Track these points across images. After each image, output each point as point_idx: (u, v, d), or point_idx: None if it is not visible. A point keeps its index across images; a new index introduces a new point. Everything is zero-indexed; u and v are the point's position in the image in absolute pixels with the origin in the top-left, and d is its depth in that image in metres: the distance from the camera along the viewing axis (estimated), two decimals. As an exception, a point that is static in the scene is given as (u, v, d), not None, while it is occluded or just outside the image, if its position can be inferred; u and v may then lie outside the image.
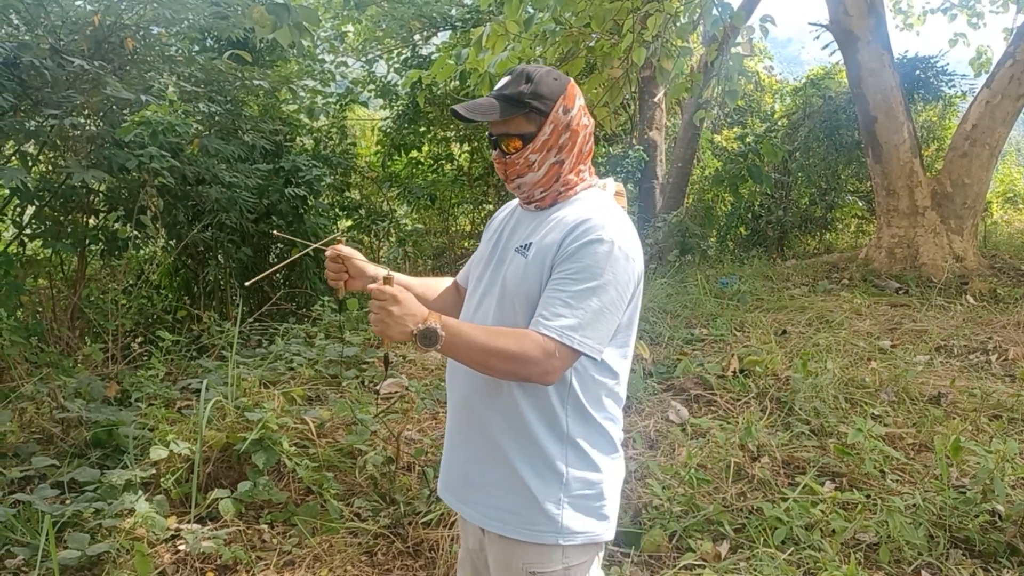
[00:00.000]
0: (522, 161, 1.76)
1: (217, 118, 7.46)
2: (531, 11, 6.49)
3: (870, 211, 11.82)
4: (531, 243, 1.75)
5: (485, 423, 1.76)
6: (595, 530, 1.75)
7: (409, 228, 12.80)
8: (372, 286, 1.59)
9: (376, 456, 3.66)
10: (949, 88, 11.58)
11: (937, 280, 8.14)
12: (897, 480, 3.70)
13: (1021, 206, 14.76)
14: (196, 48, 8.59)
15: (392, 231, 11.98)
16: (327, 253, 1.95)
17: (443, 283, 2.15)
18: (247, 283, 1.84)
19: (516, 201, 1.97)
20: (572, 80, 1.80)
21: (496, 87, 1.78)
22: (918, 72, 11.16)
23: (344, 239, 1.99)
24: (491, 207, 12.26)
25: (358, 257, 1.97)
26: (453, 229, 13.16)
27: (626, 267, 1.68)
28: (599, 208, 1.74)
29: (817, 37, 9.92)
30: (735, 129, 13.91)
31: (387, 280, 1.59)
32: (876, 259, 8.99)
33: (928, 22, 13.93)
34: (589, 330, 1.62)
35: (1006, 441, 3.57)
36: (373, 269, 1.97)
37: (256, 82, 6.97)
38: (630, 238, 1.72)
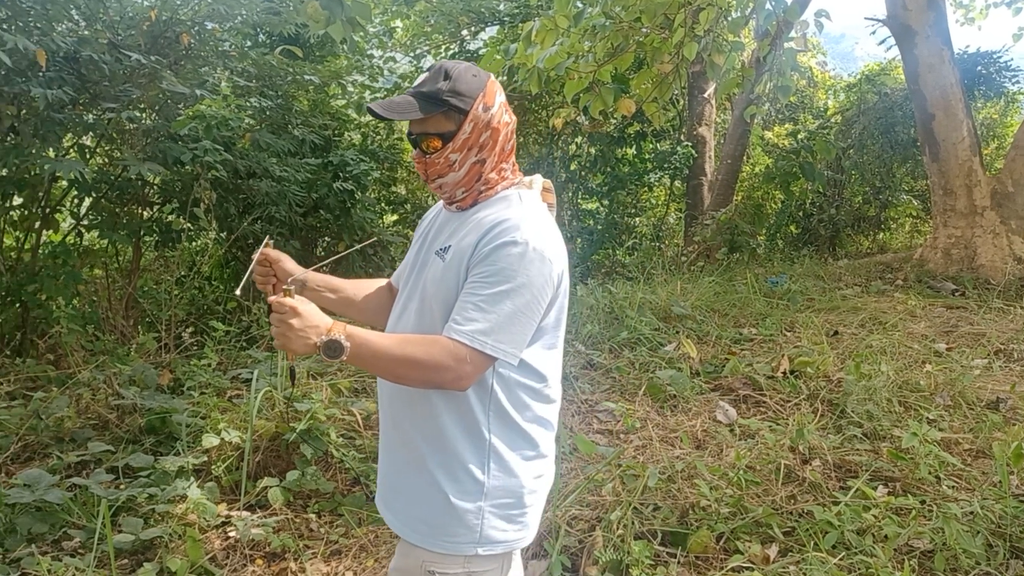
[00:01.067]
0: (442, 161, 1.71)
1: (268, 113, 7.57)
2: (581, 5, 6.45)
3: (925, 211, 11.53)
4: (450, 246, 1.71)
5: (406, 431, 1.73)
6: (514, 538, 1.72)
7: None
8: (272, 298, 1.56)
9: (422, 449, 3.67)
10: (1012, 84, 11.22)
11: (996, 282, 7.90)
12: (953, 486, 3.60)
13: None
14: (249, 44, 8.73)
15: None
16: (255, 256, 1.92)
17: (377, 284, 2.09)
18: (236, 291, 1.83)
19: (437, 206, 1.94)
20: (492, 76, 1.76)
21: (414, 84, 1.73)
22: (979, 68, 10.85)
23: (271, 243, 1.96)
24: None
25: (286, 260, 1.93)
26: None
27: (541, 268, 1.62)
28: (517, 208, 1.70)
29: (873, 32, 9.71)
30: (787, 126, 13.67)
31: (287, 292, 1.54)
32: (932, 260, 8.76)
33: (991, 16, 13.50)
34: (502, 334, 1.57)
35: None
36: (302, 272, 1.94)
37: (307, 77, 7.06)
38: (547, 238, 1.66)
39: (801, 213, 11.74)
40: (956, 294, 7.85)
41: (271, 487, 3.36)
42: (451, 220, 1.81)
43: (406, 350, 1.55)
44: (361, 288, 2.04)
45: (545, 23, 5.94)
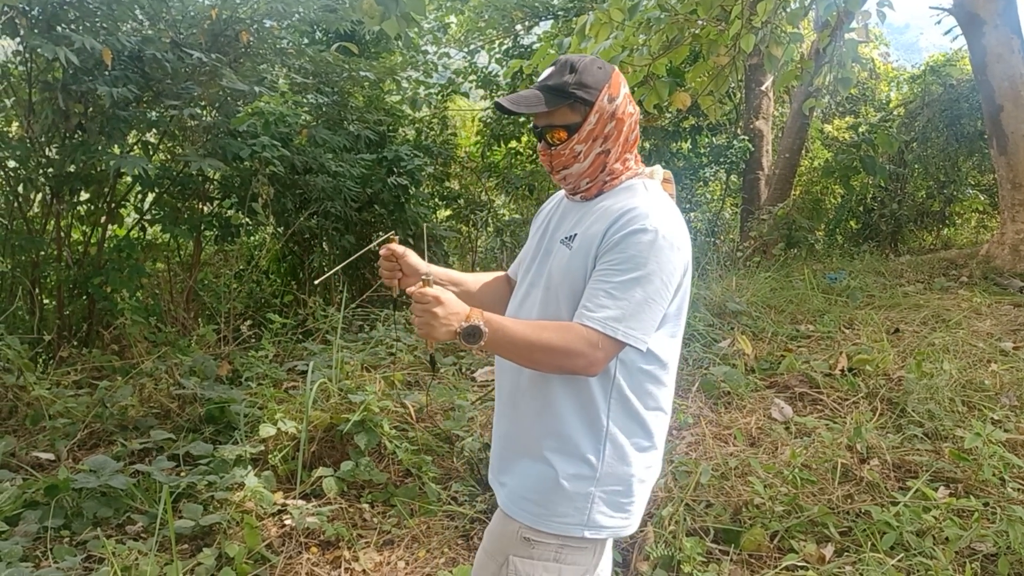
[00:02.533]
0: (568, 152, 1.74)
1: (324, 109, 7.68)
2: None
3: (992, 206, 11.17)
4: (576, 234, 1.74)
5: (524, 413, 1.77)
6: (619, 526, 1.74)
7: (507, 218, 12.87)
8: (411, 289, 1.59)
9: (473, 442, 3.70)
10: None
11: (1067, 279, 7.61)
12: (1018, 489, 3.48)
13: None
14: (306, 41, 8.87)
15: (490, 221, 12.06)
16: (381, 251, 1.95)
17: (495, 276, 2.14)
18: (316, 281, 1.92)
19: (562, 192, 1.95)
20: (616, 68, 1.78)
21: (540, 78, 1.76)
22: (1051, 57, 10.43)
23: (396, 238, 1.99)
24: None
25: (411, 255, 1.96)
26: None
27: (670, 256, 1.65)
28: (644, 197, 1.72)
29: (939, 22, 9.41)
30: (847, 119, 13.35)
31: (425, 282, 1.59)
32: (999, 256, 8.47)
33: (1063, 3, 13.02)
34: (633, 321, 1.60)
35: None
36: (427, 267, 1.97)
37: (362, 73, 7.14)
38: (675, 226, 1.68)
39: (861, 208, 11.47)
40: (1023, 291, 7.59)
41: (325, 477, 3.42)
42: (574, 209, 1.84)
43: (541, 336, 1.59)
44: (479, 280, 2.09)
45: (599, 16, 5.90)
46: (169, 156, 6.83)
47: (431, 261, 6.89)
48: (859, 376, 4.80)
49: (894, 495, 3.40)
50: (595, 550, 1.76)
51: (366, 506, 3.41)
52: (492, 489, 3.40)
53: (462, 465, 3.72)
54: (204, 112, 6.37)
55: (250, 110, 6.14)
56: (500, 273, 2.15)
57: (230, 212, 6.99)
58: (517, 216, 12.98)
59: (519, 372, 1.77)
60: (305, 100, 7.29)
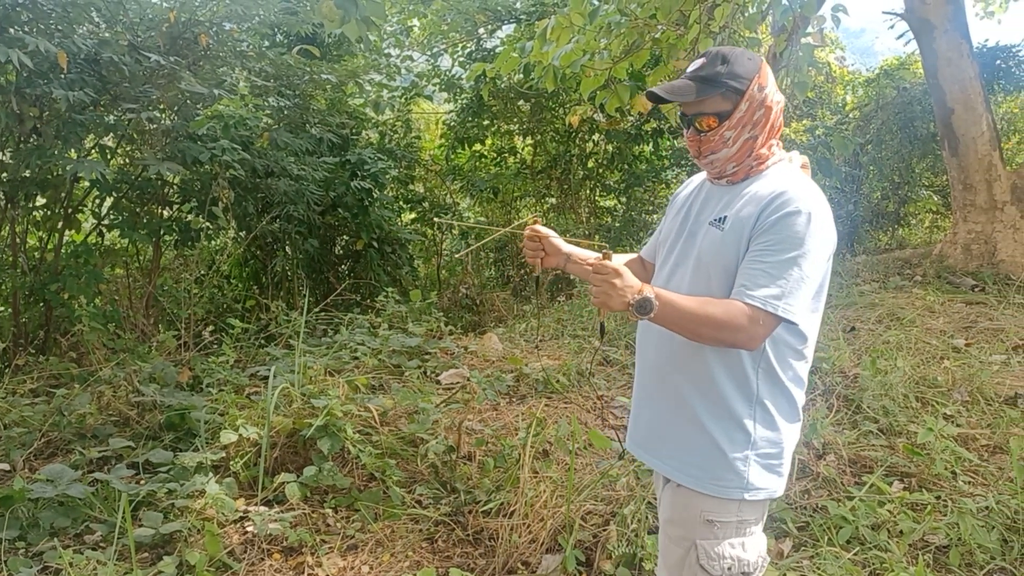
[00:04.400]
0: (717, 138, 1.84)
1: (286, 112, 7.63)
2: (596, 3, 6.45)
3: (945, 206, 11.41)
4: (726, 216, 1.84)
5: (677, 386, 1.89)
6: (773, 486, 1.87)
7: (472, 221, 12.88)
8: (593, 261, 1.72)
9: (438, 445, 3.71)
10: (1032, 78, 11.08)
11: (1016, 278, 7.80)
12: (969, 482, 3.58)
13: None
14: (266, 43, 8.79)
15: (456, 222, 12.07)
16: (526, 232, 2.14)
17: (629, 258, 2.30)
18: (458, 254, 2.08)
19: (700, 177, 2.08)
20: (764, 59, 1.87)
21: (690, 69, 1.86)
22: (998, 62, 10.70)
23: (539, 219, 2.16)
24: (553, 200, 12.24)
25: (554, 236, 2.14)
26: (516, 222, 13.18)
27: (822, 236, 1.76)
28: (792, 181, 1.81)
29: (892, 26, 9.61)
30: (804, 121, 13.55)
31: (606, 255, 1.71)
32: (951, 255, 8.67)
33: (1011, 10, 13.35)
34: (791, 298, 1.70)
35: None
36: (567, 247, 2.16)
37: (324, 76, 7.10)
38: (824, 208, 1.79)
39: (819, 209, 11.63)
40: (975, 290, 7.77)
41: (288, 482, 3.40)
42: (719, 193, 1.94)
43: (707, 310, 1.69)
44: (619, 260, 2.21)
45: (560, 21, 5.94)
46: (127, 160, 6.73)
47: (395, 264, 6.86)
48: (816, 374, 4.89)
49: (850, 490, 3.48)
50: (762, 512, 1.91)
51: (329, 511, 3.41)
52: (458, 492, 3.42)
53: (426, 468, 3.73)
54: (163, 115, 6.29)
55: (209, 113, 6.07)
56: (634, 255, 2.31)
57: (190, 216, 6.91)
58: (483, 219, 13.00)
59: (670, 346, 1.89)
60: (266, 103, 7.24)
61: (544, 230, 2.15)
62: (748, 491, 1.83)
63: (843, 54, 15.83)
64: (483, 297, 9.10)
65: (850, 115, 12.63)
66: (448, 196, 12.30)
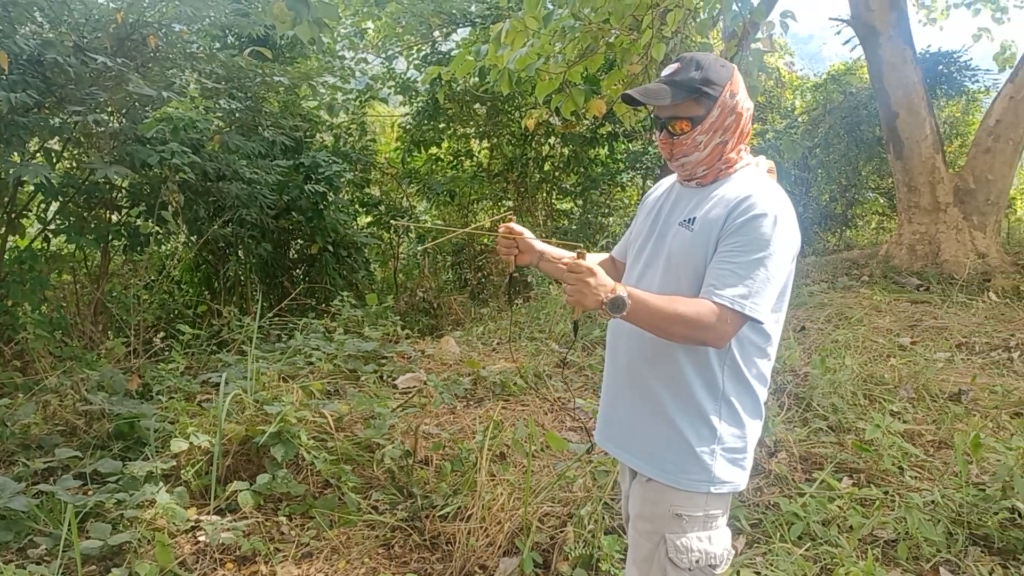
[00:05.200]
0: (689, 142, 1.90)
1: (238, 115, 7.52)
2: (550, 7, 6.48)
3: (891, 208, 11.69)
4: (695, 218, 1.90)
5: (648, 383, 1.95)
6: (737, 480, 1.93)
7: (429, 224, 12.84)
8: (568, 260, 1.76)
9: (394, 450, 3.69)
10: (972, 83, 11.42)
11: (959, 277, 8.03)
12: (916, 477, 3.68)
13: (1046, 203, 14.55)
14: (217, 45, 8.66)
15: (417, 225, 12.01)
16: (500, 228, 2.17)
17: (600, 257, 2.36)
18: (421, 247, 2.09)
19: (670, 180, 2.14)
20: (736, 67, 1.94)
21: (665, 73, 1.91)
22: (941, 67, 11.02)
23: (514, 217, 2.20)
24: (510, 203, 12.26)
25: (528, 234, 2.18)
26: (473, 225, 13.16)
27: (787, 238, 1.83)
28: (759, 184, 1.88)
29: (838, 32, 9.86)
30: (755, 126, 13.79)
31: (580, 254, 1.76)
32: (897, 256, 8.89)
33: (952, 17, 13.76)
34: (758, 297, 1.76)
35: (1008, 441, 3.53)
36: (541, 245, 2.22)
37: (276, 78, 7.02)
38: (789, 211, 1.86)
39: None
40: (920, 289, 7.98)
41: (241, 491, 3.35)
42: (688, 195, 2.00)
43: (678, 308, 1.75)
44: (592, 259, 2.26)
45: (515, 25, 5.96)
46: (74, 164, 6.58)
47: (351, 268, 6.82)
48: (769, 373, 4.97)
49: (801, 487, 3.54)
50: (726, 505, 1.97)
51: (283, 519, 3.36)
52: (414, 497, 3.41)
53: (383, 473, 3.70)
54: (110, 118, 6.16)
55: (158, 116, 5.96)
56: (606, 255, 2.37)
57: (139, 221, 6.78)
58: (439, 222, 12.97)
59: (640, 344, 1.94)
60: (217, 105, 7.13)
61: (519, 228, 2.19)
62: (714, 484, 1.89)
63: (792, 59, 16.14)
64: (440, 300, 9.07)
65: (799, 119, 12.88)
66: (404, 199, 12.24)
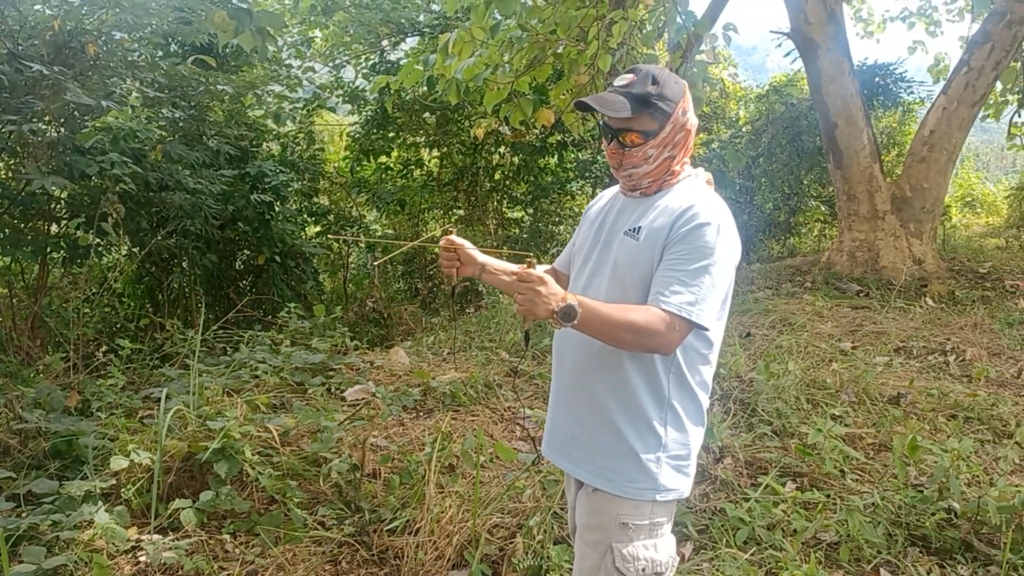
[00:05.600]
0: (640, 155, 1.93)
1: (181, 124, 7.39)
2: (498, 17, 6.51)
3: (833, 216, 11.99)
4: (640, 227, 1.93)
5: (594, 392, 1.95)
6: (682, 487, 1.96)
7: (380, 233, 12.76)
8: (518, 270, 1.77)
9: (341, 463, 3.64)
10: (907, 95, 11.79)
11: (897, 283, 8.28)
12: (857, 480, 3.77)
13: (979, 210, 15.08)
14: (160, 53, 8.49)
15: (361, 236, 11.92)
16: (441, 243, 2.18)
17: (543, 269, 2.30)
18: (376, 261, 2.08)
19: (612, 191, 2.18)
20: (685, 83, 1.97)
21: (619, 83, 1.92)
22: (877, 79, 11.36)
23: (453, 230, 2.19)
24: (461, 212, 12.25)
25: (469, 246, 2.20)
26: (424, 234, 13.11)
27: (730, 247, 1.88)
28: (701, 195, 1.93)
29: (779, 44, 10.07)
30: (701, 135, 14.03)
31: (530, 264, 1.76)
32: (838, 262, 9.12)
33: (888, 30, 14.20)
34: (704, 304, 1.80)
35: (961, 440, 3.64)
36: (483, 258, 2.22)
37: (220, 87, 6.91)
38: (730, 220, 1.91)
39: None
40: (860, 295, 8.20)
41: (183, 509, 3.27)
42: (633, 205, 2.02)
43: (627, 316, 1.76)
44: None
45: (462, 35, 5.97)
46: (9, 174, 6.38)
47: (299, 279, 6.72)
48: (714, 379, 5.03)
49: (747, 491, 3.59)
50: (671, 513, 1.99)
51: (228, 537, 3.29)
52: (362, 511, 3.37)
53: (330, 488, 3.66)
54: (47, 127, 5.99)
55: (98, 125, 5.82)
56: (548, 266, 2.34)
57: (79, 233, 6.59)
58: (390, 231, 12.89)
59: (587, 353, 1.95)
60: (159, 115, 6.99)
61: (460, 240, 2.20)
62: (660, 492, 1.91)
63: (736, 71, 16.48)
64: (391, 311, 9.01)
65: (743, 129, 13.15)
66: (354, 209, 12.15)
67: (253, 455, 3.55)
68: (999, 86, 9.98)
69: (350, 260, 12.03)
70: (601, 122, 1.99)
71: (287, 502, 3.44)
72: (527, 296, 1.72)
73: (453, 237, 2.18)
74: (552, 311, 1.70)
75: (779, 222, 12.37)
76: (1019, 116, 12.06)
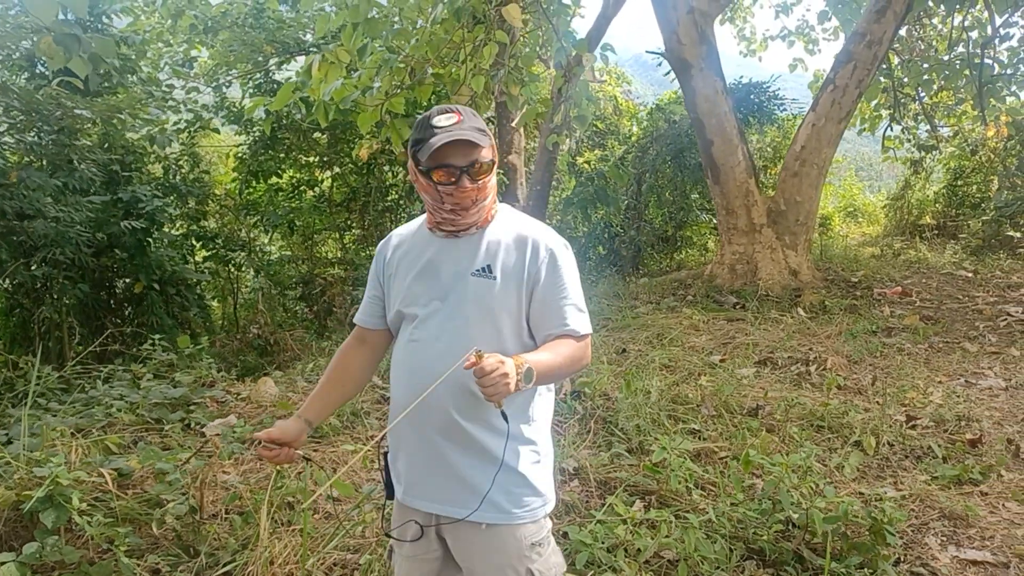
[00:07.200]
0: (489, 186, 1.95)
1: (42, 149, 7.08)
2: (367, 40, 6.46)
3: (716, 230, 12.37)
4: (489, 266, 1.94)
5: (471, 434, 1.92)
6: (553, 496, 2.05)
7: (275, 256, 12.49)
8: (476, 360, 1.66)
9: (179, 506, 3.52)
10: (781, 111, 12.29)
11: (774, 294, 8.57)
12: (703, 495, 3.84)
13: (860, 220, 15.80)
14: (26, 75, 8.13)
15: (252, 261, 11.65)
16: (258, 451, 2.03)
17: (347, 359, 2.20)
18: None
19: (406, 232, 2.11)
20: None
21: (451, 123, 1.86)
22: (752, 97, 11.80)
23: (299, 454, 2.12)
24: (356, 233, 12.11)
25: (279, 427, 2.04)
26: (317, 256, 12.89)
27: (572, 255, 2.05)
28: (529, 223, 2.03)
29: (659, 64, 10.33)
30: (596, 151, 14.29)
31: (479, 355, 1.67)
32: (720, 275, 9.39)
33: (770, 48, 14.78)
34: (586, 314, 2.00)
35: (799, 450, 3.77)
36: (305, 420, 2.09)
37: (78, 111, 6.65)
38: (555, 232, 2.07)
39: (606, 235, 12.28)
40: (737, 307, 8.44)
41: (6, 563, 3.10)
42: (457, 245, 1.98)
43: (563, 353, 1.89)
44: (346, 375, 2.20)
45: (327, 57, 5.90)
46: None
47: (181, 306, 6.48)
48: (580, 399, 5.09)
49: (594, 513, 3.62)
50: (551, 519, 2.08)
51: (52, 590, 3.14)
52: (199, 555, 3.24)
53: (167, 532, 3.52)
54: None
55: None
56: (346, 348, 2.21)
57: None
58: (287, 252, 12.63)
59: (454, 399, 1.89)
60: (18, 140, 6.68)
61: (278, 433, 2.02)
62: (547, 504, 2.01)
63: (630, 87, 16.88)
64: (277, 337, 8.79)
65: (636, 145, 13.45)
66: (244, 231, 11.86)
67: (82, 502, 3.39)
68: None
69: (242, 284, 11.74)
70: (439, 167, 1.86)
71: (116, 550, 3.30)
72: (496, 385, 1.66)
73: (262, 437, 2.01)
74: (518, 382, 1.71)
75: (667, 236, 12.67)
76: (891, 130, 12.76)
